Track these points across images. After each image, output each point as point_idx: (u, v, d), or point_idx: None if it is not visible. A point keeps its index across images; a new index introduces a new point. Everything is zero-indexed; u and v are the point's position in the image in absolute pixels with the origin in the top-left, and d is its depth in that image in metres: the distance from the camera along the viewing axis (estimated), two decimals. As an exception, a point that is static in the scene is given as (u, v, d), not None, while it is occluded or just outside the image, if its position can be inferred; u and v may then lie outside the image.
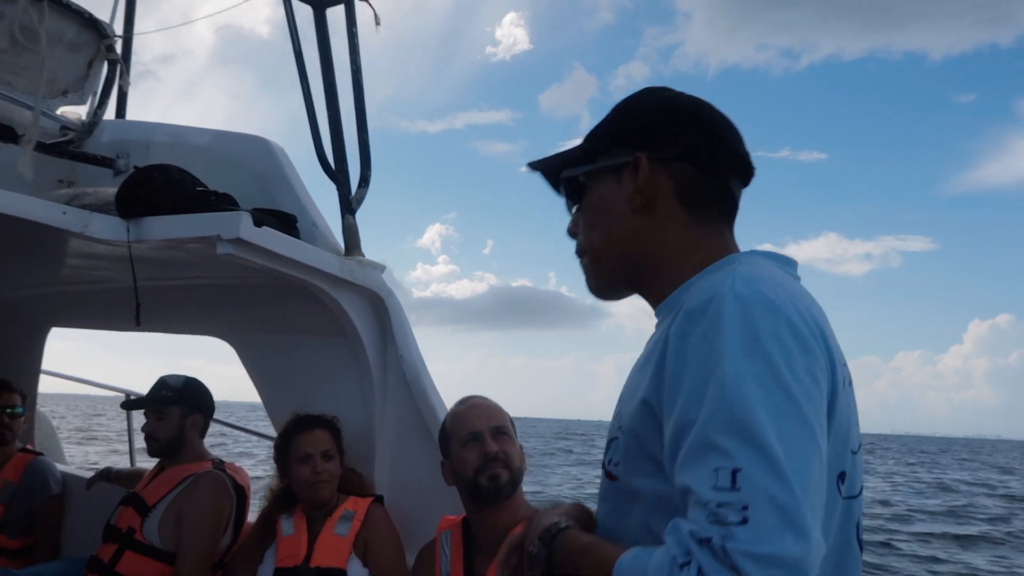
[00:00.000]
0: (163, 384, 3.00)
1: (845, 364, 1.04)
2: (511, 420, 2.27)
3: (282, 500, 2.68)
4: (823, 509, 0.90)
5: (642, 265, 1.17)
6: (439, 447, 2.32)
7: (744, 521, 0.83)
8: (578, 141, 1.26)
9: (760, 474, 0.84)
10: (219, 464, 2.95)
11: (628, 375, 1.17)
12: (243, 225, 2.24)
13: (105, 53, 2.81)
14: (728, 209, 1.17)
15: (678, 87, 1.22)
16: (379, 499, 2.66)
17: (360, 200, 2.78)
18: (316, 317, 2.76)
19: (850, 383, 1.06)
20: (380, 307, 2.71)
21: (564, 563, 1.09)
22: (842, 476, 1.00)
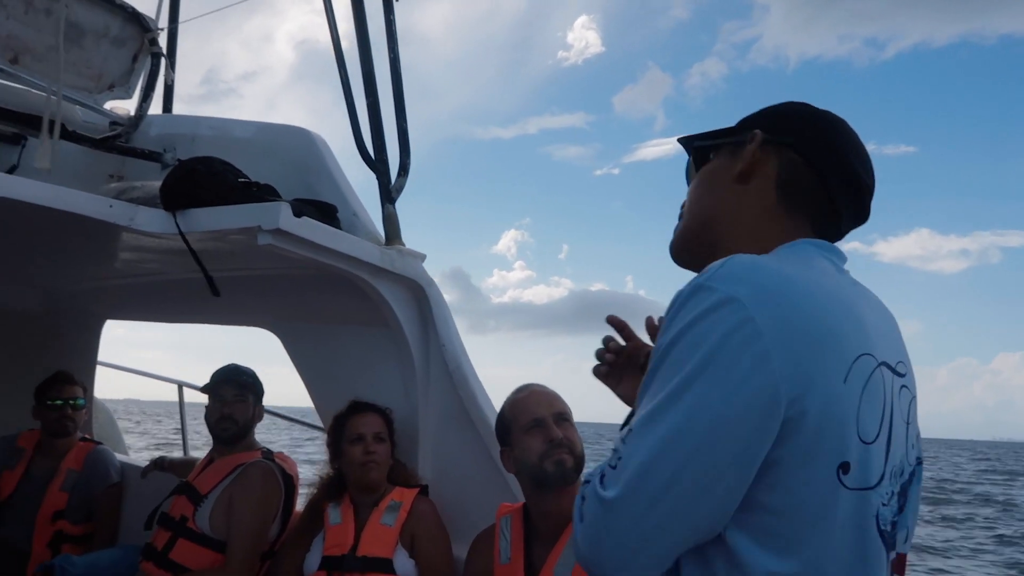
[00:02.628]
0: (239, 370, 3.06)
1: (871, 355, 1.01)
2: (568, 408, 2.25)
3: (330, 488, 2.70)
4: (686, 493, 0.92)
5: (717, 238, 1.17)
6: (495, 436, 2.30)
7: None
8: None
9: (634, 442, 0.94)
10: (268, 454, 2.99)
11: None
12: (283, 215, 2.24)
13: (149, 47, 2.85)
14: (821, 215, 1.16)
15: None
16: (424, 489, 2.66)
17: (400, 189, 2.77)
18: (358, 307, 2.76)
19: (889, 381, 1.03)
20: (421, 296, 2.70)
21: None
22: (844, 466, 0.97)
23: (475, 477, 2.62)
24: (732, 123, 1.26)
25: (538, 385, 2.30)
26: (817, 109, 1.22)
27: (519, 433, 2.18)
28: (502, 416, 2.27)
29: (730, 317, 0.93)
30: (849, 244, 1.20)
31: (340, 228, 2.55)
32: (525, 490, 2.21)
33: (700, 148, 1.27)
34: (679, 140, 1.32)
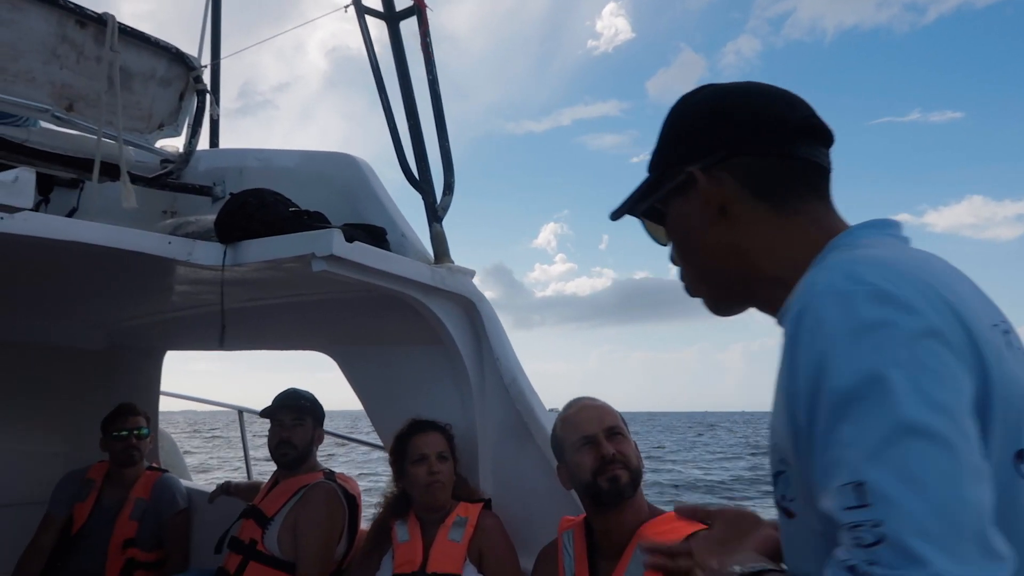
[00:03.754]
0: (298, 394, 3.13)
1: (998, 324, 0.90)
2: (623, 419, 2.24)
3: (396, 506, 2.72)
4: (985, 511, 0.75)
5: (742, 276, 1.08)
6: (552, 451, 2.31)
7: (880, 542, 0.72)
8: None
9: (888, 484, 0.73)
10: (330, 475, 3.04)
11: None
12: (336, 242, 2.28)
13: (194, 84, 2.93)
14: (812, 182, 1.05)
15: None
16: (488, 504, 2.68)
17: (446, 208, 2.81)
18: (411, 326, 2.80)
19: (1015, 344, 0.92)
20: (473, 312, 2.72)
21: None
22: (1020, 454, 0.85)
23: (536, 490, 2.63)
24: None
25: (588, 399, 2.30)
26: (712, 96, 1.11)
27: (571, 451, 2.18)
28: (555, 434, 2.28)
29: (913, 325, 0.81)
30: (898, 216, 1.08)
31: (390, 250, 2.59)
32: (585, 506, 2.21)
33: (646, 212, 1.18)
34: (614, 215, 1.21)
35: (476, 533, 2.55)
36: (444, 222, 2.79)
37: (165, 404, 4.78)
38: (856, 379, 0.78)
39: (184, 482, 3.99)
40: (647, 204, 1.16)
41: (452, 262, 2.72)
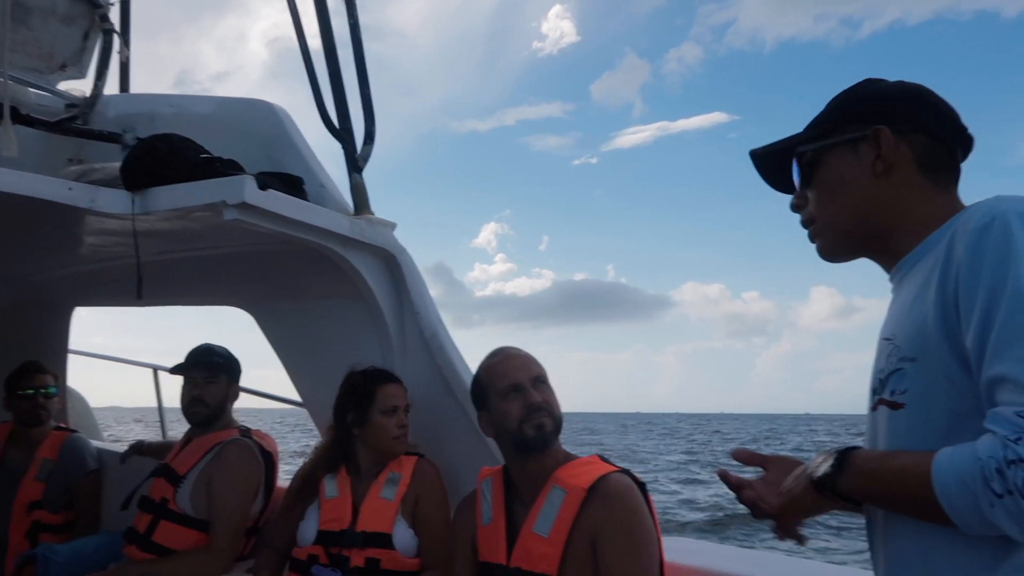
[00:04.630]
0: (212, 351, 3.03)
1: None
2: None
3: (329, 458, 2.61)
4: None
5: (882, 228, 1.28)
6: (471, 400, 2.29)
7: None
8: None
9: None
10: (246, 431, 2.97)
11: (888, 316, 1.28)
12: (247, 189, 2.21)
13: (100, 23, 2.77)
14: (956, 176, 1.30)
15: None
16: (421, 455, 2.62)
17: (366, 157, 2.74)
18: (330, 279, 2.74)
19: None
20: (393, 265, 2.68)
21: (857, 478, 1.16)
22: None
23: (457, 443, 2.62)
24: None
25: (513, 348, 2.29)
26: (907, 83, 1.34)
27: (497, 398, 2.17)
28: (478, 381, 2.27)
29: None
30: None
31: (307, 200, 2.52)
32: (505, 453, 2.22)
33: (810, 154, 1.34)
34: (756, 152, 1.43)
35: (412, 484, 2.50)
36: (364, 174, 2.73)
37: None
38: None
39: (95, 442, 3.86)
40: (815, 146, 1.34)
41: (372, 214, 2.66)
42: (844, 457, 1.18)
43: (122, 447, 3.69)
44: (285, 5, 2.74)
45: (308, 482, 2.63)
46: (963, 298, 1.07)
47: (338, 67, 2.71)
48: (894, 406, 1.18)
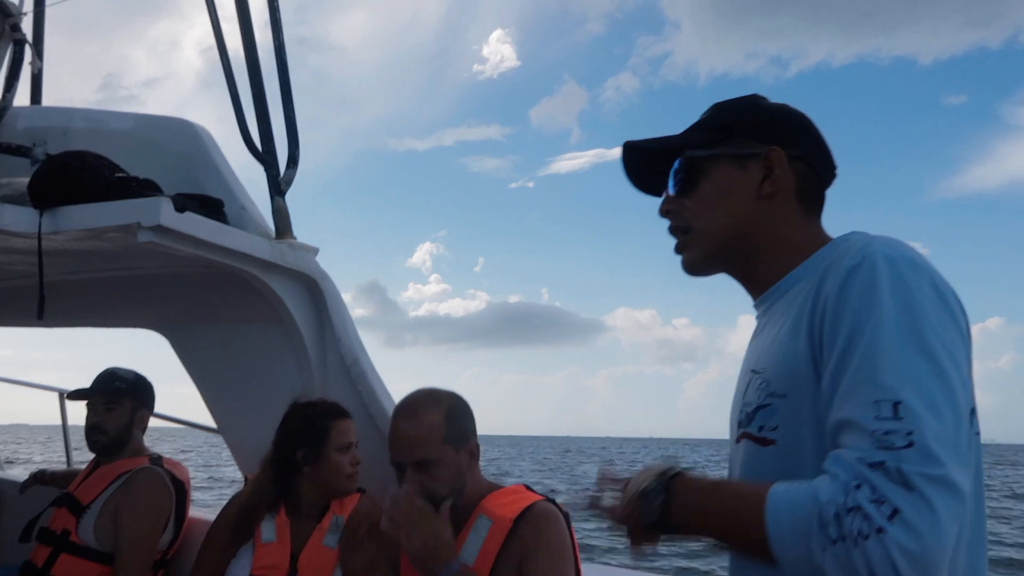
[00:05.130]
0: (115, 375, 2.90)
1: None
2: (451, 431, 2.04)
3: (267, 495, 2.43)
4: (967, 448, 1.01)
5: (753, 249, 1.28)
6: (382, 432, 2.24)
7: (910, 445, 0.93)
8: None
9: (919, 406, 0.95)
10: (157, 459, 2.87)
11: (754, 346, 1.28)
12: (164, 211, 2.14)
13: (11, 33, 2.67)
14: (822, 207, 1.33)
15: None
16: (363, 492, 2.52)
17: (289, 181, 2.69)
18: (249, 304, 2.67)
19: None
20: (315, 290, 2.63)
21: (686, 505, 1.13)
22: (973, 411, 1.08)
23: (376, 471, 2.58)
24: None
25: (409, 413, 2.07)
26: (799, 112, 1.35)
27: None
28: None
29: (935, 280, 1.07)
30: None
31: (227, 223, 2.46)
32: None
33: (690, 160, 1.32)
34: (629, 145, 1.36)
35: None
36: (287, 198, 2.68)
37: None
38: (897, 327, 1.01)
39: (-8, 471, 3.66)
40: (705, 153, 1.30)
41: (294, 238, 2.62)
42: (673, 482, 1.14)
43: (24, 471, 3.50)
44: (221, 16, 2.69)
45: (246, 520, 2.43)
46: (827, 339, 1.07)
47: (262, 88, 2.67)
48: (764, 442, 1.15)
